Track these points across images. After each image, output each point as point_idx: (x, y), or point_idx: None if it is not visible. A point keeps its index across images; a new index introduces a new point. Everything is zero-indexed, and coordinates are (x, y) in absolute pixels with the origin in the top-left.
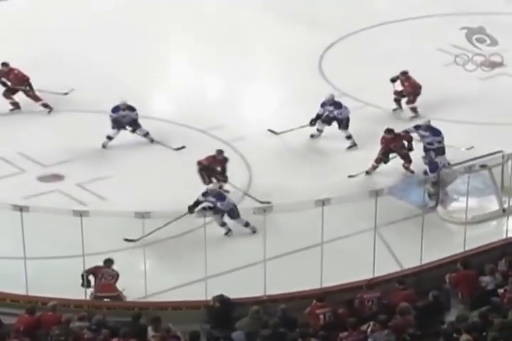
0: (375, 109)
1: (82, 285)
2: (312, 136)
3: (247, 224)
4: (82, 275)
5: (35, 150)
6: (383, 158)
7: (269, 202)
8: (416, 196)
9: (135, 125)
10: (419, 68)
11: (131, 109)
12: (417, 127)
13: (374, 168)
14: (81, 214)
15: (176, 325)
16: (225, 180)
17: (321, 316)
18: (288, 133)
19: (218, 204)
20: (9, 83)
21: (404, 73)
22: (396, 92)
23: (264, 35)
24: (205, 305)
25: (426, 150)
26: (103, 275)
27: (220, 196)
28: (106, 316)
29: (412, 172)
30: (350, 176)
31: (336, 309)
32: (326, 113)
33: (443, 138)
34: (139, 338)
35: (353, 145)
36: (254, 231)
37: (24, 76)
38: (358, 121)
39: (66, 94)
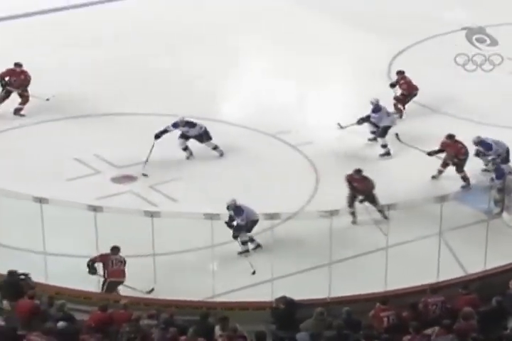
0: (443, 115)
1: (89, 272)
2: (369, 140)
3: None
4: (88, 264)
5: (110, 152)
6: (449, 163)
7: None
8: (481, 202)
9: (200, 139)
10: (487, 75)
11: (191, 124)
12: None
13: (440, 172)
14: (152, 214)
15: (243, 325)
16: None
17: (385, 319)
18: (355, 138)
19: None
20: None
21: (401, 72)
22: (396, 97)
23: (334, 41)
24: (270, 306)
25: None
26: (113, 261)
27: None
28: (173, 315)
29: (468, 184)
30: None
31: (399, 312)
32: (372, 119)
33: (496, 151)
34: (206, 337)
35: (387, 154)
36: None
37: (29, 80)
38: (424, 127)
39: (48, 99)
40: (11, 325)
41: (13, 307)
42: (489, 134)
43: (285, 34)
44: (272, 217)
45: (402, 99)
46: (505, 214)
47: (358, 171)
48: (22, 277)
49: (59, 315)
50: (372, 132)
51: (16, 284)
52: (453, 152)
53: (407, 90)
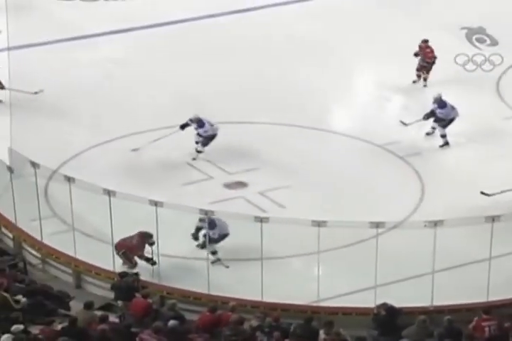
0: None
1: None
2: (427, 133)
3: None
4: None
5: (222, 159)
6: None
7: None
8: None
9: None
10: None
11: (201, 123)
12: None
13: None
14: (261, 220)
15: (345, 330)
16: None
17: (487, 329)
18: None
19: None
20: None
21: (425, 41)
22: (420, 66)
23: (443, 54)
24: (372, 312)
25: None
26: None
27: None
28: (279, 318)
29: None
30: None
31: (501, 323)
32: (439, 114)
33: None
34: (310, 340)
35: (446, 144)
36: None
37: None
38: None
39: (36, 93)
40: (125, 322)
41: (126, 306)
42: None
43: (399, 46)
44: (377, 225)
45: (428, 67)
46: None
47: None
48: (134, 276)
49: (170, 314)
50: (433, 127)
51: (130, 284)
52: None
53: (432, 58)
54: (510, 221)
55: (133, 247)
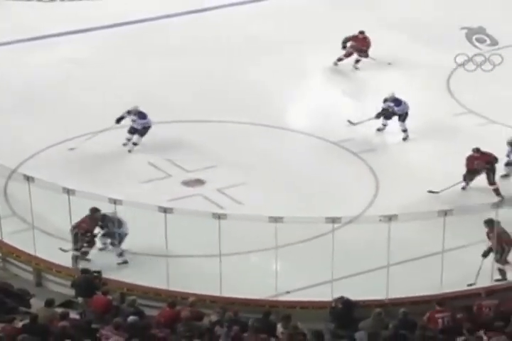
0: (500, 127)
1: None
2: (378, 129)
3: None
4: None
5: (180, 157)
6: (468, 176)
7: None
8: None
9: (142, 133)
10: None
11: (142, 115)
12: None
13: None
14: (219, 216)
15: (303, 323)
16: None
17: (440, 320)
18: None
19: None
20: None
21: (362, 32)
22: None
23: (397, 54)
24: (329, 306)
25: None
26: None
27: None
28: (237, 312)
29: (499, 195)
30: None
31: (454, 314)
32: (388, 108)
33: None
34: (268, 334)
35: (407, 138)
36: (125, 262)
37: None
38: (482, 138)
39: None
40: (85, 318)
41: (87, 303)
42: None
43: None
44: (333, 220)
45: (365, 52)
46: None
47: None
48: (95, 274)
49: (130, 310)
50: (384, 125)
51: (90, 281)
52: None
53: (366, 46)
54: (462, 215)
55: (84, 225)
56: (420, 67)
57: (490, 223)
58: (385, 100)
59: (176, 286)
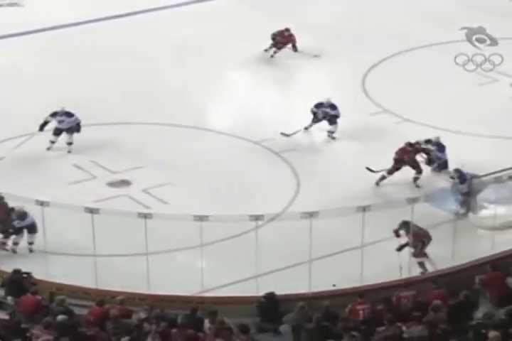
0: (410, 124)
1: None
2: (306, 128)
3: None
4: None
5: (106, 158)
6: (394, 166)
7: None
8: (450, 204)
9: (71, 131)
10: (455, 87)
11: (69, 114)
12: (427, 141)
13: (383, 178)
14: (145, 216)
15: (230, 318)
16: None
17: (361, 312)
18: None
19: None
20: None
21: (288, 30)
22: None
23: (312, 54)
24: (256, 301)
25: (431, 162)
26: None
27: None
28: (164, 310)
29: (418, 186)
30: (369, 170)
31: (374, 306)
32: (323, 113)
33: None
34: (196, 329)
35: (334, 138)
36: (31, 251)
37: None
38: (394, 135)
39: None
40: (15, 319)
41: (17, 303)
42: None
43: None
44: (256, 218)
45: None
46: (471, 215)
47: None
48: (25, 275)
49: (59, 309)
50: (330, 132)
51: (19, 281)
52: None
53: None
54: (380, 210)
55: None
56: (336, 67)
57: (405, 225)
58: (319, 105)
59: (105, 285)
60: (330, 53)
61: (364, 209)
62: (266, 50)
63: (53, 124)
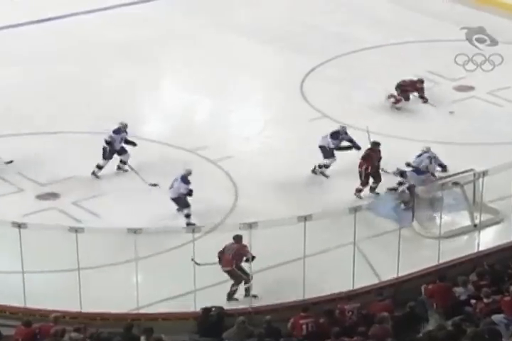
0: (353, 131)
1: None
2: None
3: None
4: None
5: (33, 170)
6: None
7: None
8: (393, 212)
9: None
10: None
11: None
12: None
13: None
14: (76, 230)
15: (167, 335)
16: None
17: (304, 326)
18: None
19: None
20: None
21: None
22: None
23: (249, 59)
24: (194, 316)
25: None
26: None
27: None
28: (99, 329)
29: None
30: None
31: (317, 319)
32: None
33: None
34: None
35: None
36: None
37: None
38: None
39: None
40: None
41: None
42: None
43: (204, 53)
44: (193, 230)
45: None
46: (415, 223)
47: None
48: None
49: None
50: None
51: None
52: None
53: None
54: (322, 219)
55: None
56: (273, 71)
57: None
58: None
59: (34, 303)
60: (267, 55)
61: (305, 218)
62: (394, 103)
63: None
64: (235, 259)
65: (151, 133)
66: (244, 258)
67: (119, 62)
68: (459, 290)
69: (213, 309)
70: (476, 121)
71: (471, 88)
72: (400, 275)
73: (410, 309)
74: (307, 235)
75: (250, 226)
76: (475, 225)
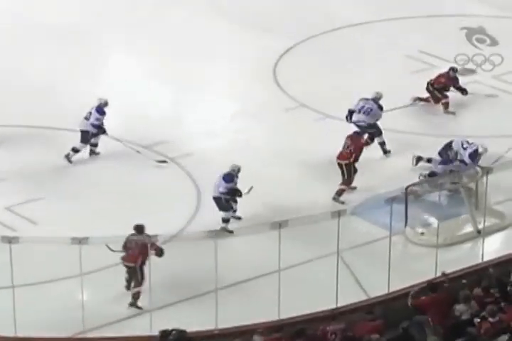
0: (334, 121)
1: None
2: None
3: None
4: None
5: None
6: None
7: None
8: (382, 216)
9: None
10: (384, 75)
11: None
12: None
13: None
14: (10, 240)
15: None
16: None
17: None
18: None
19: None
20: None
21: None
22: None
23: (215, 42)
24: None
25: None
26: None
27: None
28: None
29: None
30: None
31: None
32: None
33: None
34: None
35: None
36: None
37: None
38: (319, 133)
39: None
40: None
41: None
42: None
43: (165, 37)
44: (216, 234)
45: None
46: (408, 229)
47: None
48: None
49: None
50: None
51: None
52: None
53: None
54: (299, 226)
55: None
56: (241, 55)
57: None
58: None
59: None
60: (233, 36)
61: (280, 224)
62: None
63: None
64: (141, 254)
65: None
66: (153, 253)
67: (56, 46)
68: (460, 308)
69: (173, 332)
70: (481, 112)
71: (473, 71)
72: (391, 290)
73: (403, 330)
74: (283, 244)
75: (216, 234)
76: (478, 231)
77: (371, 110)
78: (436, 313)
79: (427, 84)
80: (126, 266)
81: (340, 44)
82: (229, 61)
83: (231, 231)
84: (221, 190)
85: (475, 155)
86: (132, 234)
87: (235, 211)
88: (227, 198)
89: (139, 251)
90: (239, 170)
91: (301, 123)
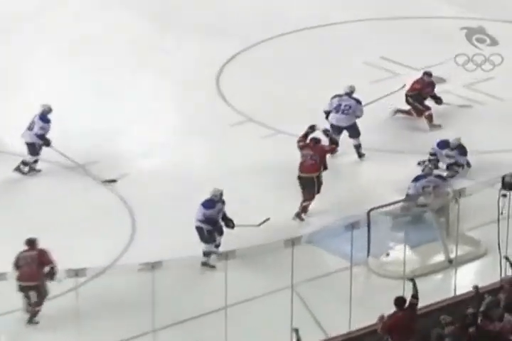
0: (286, 136)
1: None
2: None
3: None
4: None
5: None
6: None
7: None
8: (342, 244)
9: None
10: (341, 83)
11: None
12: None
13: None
14: None
15: None
16: None
17: None
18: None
19: None
20: None
21: None
22: None
23: (145, 45)
24: None
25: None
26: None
27: None
28: None
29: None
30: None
31: None
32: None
33: None
34: None
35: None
36: None
37: None
38: (270, 150)
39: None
40: None
41: None
42: None
43: (95, 40)
44: (76, 273)
45: None
46: (371, 259)
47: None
48: None
49: None
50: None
51: None
52: None
53: None
54: (248, 256)
55: None
56: (181, 63)
57: None
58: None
59: None
60: (172, 41)
61: (226, 255)
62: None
63: None
64: (40, 270)
65: (14, 144)
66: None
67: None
68: None
69: None
70: (454, 123)
71: (443, 80)
72: (352, 328)
73: None
74: (230, 276)
75: (153, 266)
76: (450, 261)
77: (350, 107)
78: (400, 332)
79: (405, 96)
80: (26, 287)
81: (291, 48)
82: (168, 70)
83: (213, 266)
84: (199, 217)
85: (443, 145)
86: (24, 251)
87: (217, 245)
88: (210, 229)
89: (36, 266)
90: (221, 195)
91: (248, 141)
